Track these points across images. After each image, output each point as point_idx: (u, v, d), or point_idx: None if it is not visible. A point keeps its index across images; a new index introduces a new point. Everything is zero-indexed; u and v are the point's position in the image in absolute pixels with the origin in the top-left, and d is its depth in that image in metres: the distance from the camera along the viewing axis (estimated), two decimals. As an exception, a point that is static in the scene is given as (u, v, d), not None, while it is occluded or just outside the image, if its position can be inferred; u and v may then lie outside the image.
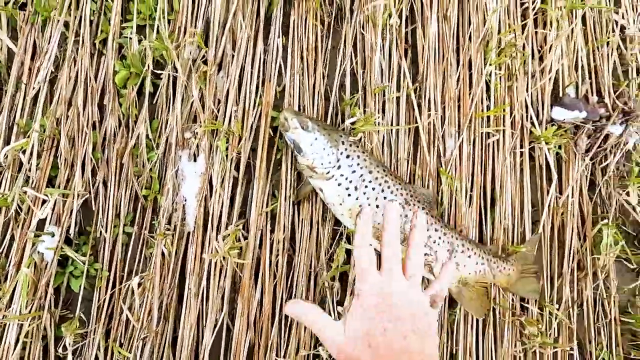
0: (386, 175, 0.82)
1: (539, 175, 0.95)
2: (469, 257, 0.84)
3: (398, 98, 0.88)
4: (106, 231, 0.86)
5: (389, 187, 0.82)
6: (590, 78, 0.98)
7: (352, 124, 0.86)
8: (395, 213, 0.65)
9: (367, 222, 0.65)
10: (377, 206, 0.81)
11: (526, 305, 0.95)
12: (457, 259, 0.84)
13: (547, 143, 0.92)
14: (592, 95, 0.98)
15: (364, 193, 0.81)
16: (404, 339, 0.60)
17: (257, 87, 0.88)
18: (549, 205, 0.93)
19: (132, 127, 0.87)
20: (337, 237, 0.88)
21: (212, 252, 0.81)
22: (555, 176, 0.93)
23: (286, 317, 0.86)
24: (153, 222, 0.88)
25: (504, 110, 0.86)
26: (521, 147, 0.94)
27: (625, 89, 0.98)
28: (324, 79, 0.90)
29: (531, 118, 0.92)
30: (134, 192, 0.88)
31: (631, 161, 0.97)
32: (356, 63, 0.88)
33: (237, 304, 0.84)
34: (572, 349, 0.96)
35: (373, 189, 0.81)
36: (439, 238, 0.83)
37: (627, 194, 0.97)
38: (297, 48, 0.87)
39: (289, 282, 0.87)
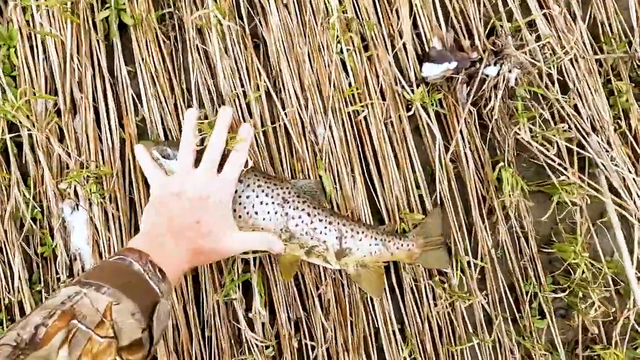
0: (258, 180, 0.82)
1: (425, 136, 0.94)
2: (360, 240, 0.85)
3: (261, 96, 0.87)
4: (14, 295, 0.88)
5: (263, 191, 0.82)
6: (459, 23, 0.95)
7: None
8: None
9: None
10: (256, 212, 0.81)
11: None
12: (347, 244, 0.84)
13: (423, 103, 0.90)
14: (465, 40, 0.95)
15: (240, 203, 0.81)
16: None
17: (118, 121, 0.87)
18: (440, 162, 0.93)
19: (8, 192, 0.88)
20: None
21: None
22: (437, 133, 0.91)
23: (203, 336, 0.89)
24: (59, 275, 0.89)
25: (359, 85, 0.84)
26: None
27: (497, 25, 0.95)
28: (184, 94, 0.88)
29: (401, 82, 0.90)
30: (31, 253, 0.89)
31: (516, 97, 0.95)
32: (207, 74, 0.86)
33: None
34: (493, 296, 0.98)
35: (247, 196, 0.81)
36: (325, 228, 0.83)
37: (519, 129, 0.96)
38: (147, 72, 0.86)
39: (198, 299, 0.89)
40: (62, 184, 0.86)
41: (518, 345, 1.04)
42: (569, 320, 1.07)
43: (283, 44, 0.85)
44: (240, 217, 0.81)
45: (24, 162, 0.89)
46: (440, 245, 0.92)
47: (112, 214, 0.86)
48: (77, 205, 0.87)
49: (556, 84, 0.97)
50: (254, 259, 0.88)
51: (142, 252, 0.63)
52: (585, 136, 0.99)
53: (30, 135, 0.86)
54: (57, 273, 0.89)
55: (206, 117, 0.87)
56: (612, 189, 1.02)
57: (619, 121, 1.01)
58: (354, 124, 0.88)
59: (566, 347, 1.08)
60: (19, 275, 0.89)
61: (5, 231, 0.88)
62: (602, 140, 0.99)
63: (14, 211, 0.87)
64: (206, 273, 0.89)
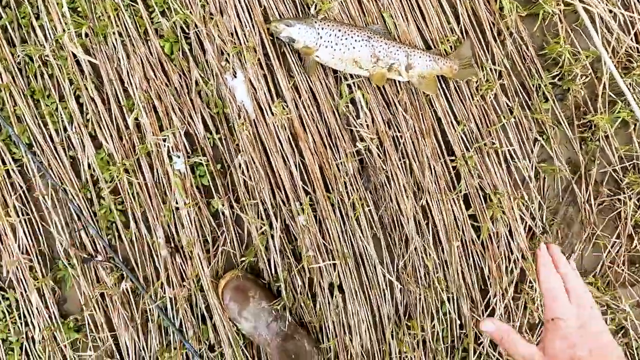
0: (349, 29, 1.30)
1: (447, -15, 1.39)
2: (420, 57, 1.33)
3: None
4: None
5: (353, 34, 1.29)
6: None
7: (317, 11, 1.33)
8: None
9: (546, 264, 0.75)
10: (354, 47, 1.29)
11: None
12: (413, 61, 1.32)
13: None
14: None
15: (343, 44, 1.29)
16: None
17: (251, 18, 1.34)
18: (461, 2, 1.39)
19: (190, 75, 1.36)
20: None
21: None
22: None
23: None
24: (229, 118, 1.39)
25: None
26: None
27: None
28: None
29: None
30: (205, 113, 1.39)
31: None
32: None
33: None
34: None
35: (346, 39, 1.29)
36: (397, 50, 1.31)
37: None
38: (261, -23, 1.32)
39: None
40: (222, 62, 1.34)
41: (535, 120, 1.52)
42: (566, 102, 1.55)
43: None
44: (342, 54, 1.29)
45: (193, 54, 1.37)
46: (471, 64, 1.39)
47: (258, 75, 1.35)
48: (235, 73, 1.35)
49: None
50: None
51: None
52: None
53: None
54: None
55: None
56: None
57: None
58: (401, -17, 1.34)
59: (566, 120, 1.57)
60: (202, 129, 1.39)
61: (192, 100, 1.37)
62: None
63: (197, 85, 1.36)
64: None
